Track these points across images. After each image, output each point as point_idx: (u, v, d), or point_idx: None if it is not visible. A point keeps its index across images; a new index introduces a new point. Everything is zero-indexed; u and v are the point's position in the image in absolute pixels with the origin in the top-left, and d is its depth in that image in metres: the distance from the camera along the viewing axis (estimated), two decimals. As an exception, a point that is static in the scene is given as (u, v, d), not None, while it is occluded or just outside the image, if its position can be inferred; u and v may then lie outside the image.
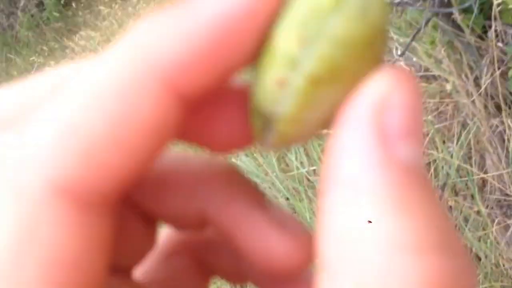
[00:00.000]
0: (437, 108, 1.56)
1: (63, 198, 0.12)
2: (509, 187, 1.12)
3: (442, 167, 1.26)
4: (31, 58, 4.17)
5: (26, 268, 0.11)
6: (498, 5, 1.11)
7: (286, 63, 0.13)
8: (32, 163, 0.12)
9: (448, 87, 1.38)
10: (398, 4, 1.32)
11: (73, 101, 0.12)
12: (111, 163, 0.12)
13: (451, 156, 1.27)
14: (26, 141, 0.12)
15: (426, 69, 1.53)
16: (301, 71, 0.12)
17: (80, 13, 4.62)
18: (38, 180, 0.12)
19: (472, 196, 1.22)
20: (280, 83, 0.13)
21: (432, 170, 1.30)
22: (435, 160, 1.37)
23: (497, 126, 1.28)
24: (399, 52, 1.56)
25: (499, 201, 1.18)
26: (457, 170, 1.27)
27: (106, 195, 0.12)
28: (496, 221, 1.10)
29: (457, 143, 1.31)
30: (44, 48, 4.42)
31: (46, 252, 0.11)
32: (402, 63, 1.56)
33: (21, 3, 4.84)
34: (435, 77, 1.50)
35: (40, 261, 0.11)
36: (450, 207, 1.21)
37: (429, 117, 1.47)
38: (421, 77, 1.53)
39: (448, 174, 1.26)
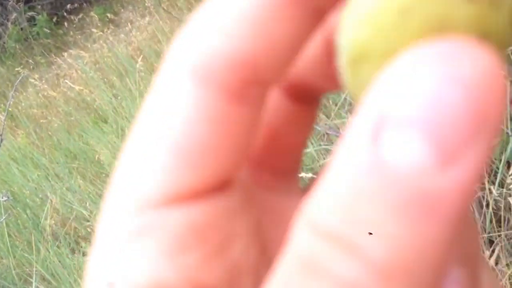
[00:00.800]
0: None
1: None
2: (484, 252, 1.15)
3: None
4: (16, 69, 4.14)
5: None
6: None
7: None
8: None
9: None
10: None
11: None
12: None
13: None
14: None
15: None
16: None
17: (71, 33, 4.63)
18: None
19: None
20: None
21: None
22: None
23: (476, 192, 1.32)
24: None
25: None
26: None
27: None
28: None
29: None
30: (30, 61, 4.39)
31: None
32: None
33: (13, 16, 4.84)
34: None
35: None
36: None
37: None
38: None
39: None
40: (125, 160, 0.13)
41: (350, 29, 0.11)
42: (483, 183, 1.31)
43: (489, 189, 1.17)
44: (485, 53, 0.09)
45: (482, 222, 1.24)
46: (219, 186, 0.13)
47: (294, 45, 0.12)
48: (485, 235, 1.17)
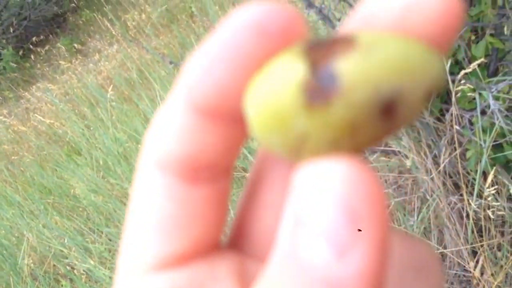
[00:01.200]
0: (396, 182, 1.63)
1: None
2: (468, 263, 1.16)
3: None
4: (-17, 106, 4.07)
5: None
6: (456, 92, 1.20)
7: None
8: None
9: (408, 163, 1.45)
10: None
11: None
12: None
13: (412, 230, 1.31)
14: None
15: (386, 144, 1.60)
16: None
17: (38, 65, 4.58)
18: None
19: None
20: None
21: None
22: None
23: (455, 203, 1.34)
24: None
25: (459, 276, 1.22)
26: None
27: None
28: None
29: (417, 217, 1.36)
30: (-2, 97, 4.33)
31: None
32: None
33: (-23, 51, 4.77)
34: (394, 152, 1.57)
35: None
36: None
37: (389, 190, 1.53)
38: (382, 151, 1.60)
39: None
40: (124, 237, 0.16)
41: (252, 115, 0.13)
42: (461, 195, 1.32)
43: (468, 201, 1.19)
44: (359, 173, 0.12)
45: (464, 233, 1.26)
46: (203, 251, 0.16)
47: (225, 144, 0.15)
48: (468, 246, 1.18)
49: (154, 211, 0.15)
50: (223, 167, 0.16)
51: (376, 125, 0.12)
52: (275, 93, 0.12)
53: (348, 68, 0.12)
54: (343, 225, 0.11)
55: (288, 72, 0.12)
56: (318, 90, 0.12)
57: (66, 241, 2.00)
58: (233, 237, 0.18)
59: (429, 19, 0.14)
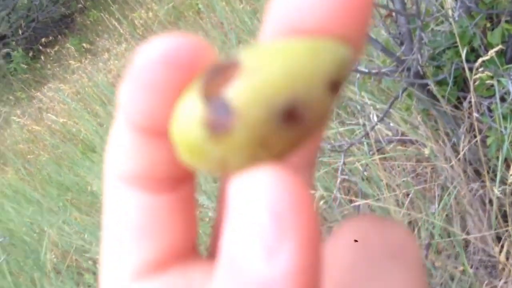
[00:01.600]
0: (415, 170, 1.64)
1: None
2: (493, 248, 1.18)
3: (426, 228, 1.32)
4: (-3, 107, 4.10)
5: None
6: (474, 80, 1.21)
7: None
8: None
9: (427, 151, 1.46)
10: (376, 74, 1.39)
11: None
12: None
13: (433, 217, 1.33)
14: None
15: (403, 134, 1.61)
16: None
17: (48, 66, 4.61)
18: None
19: (456, 257, 1.26)
20: None
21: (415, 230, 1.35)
22: (416, 220, 1.42)
23: (477, 190, 1.34)
24: (375, 118, 1.65)
25: (483, 261, 1.23)
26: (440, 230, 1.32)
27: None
28: (486, 282, 1.15)
29: (438, 205, 1.37)
30: (11, 97, 4.36)
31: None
32: (380, 127, 1.65)
33: (-13, 54, 4.80)
34: (412, 142, 1.58)
35: None
36: (435, 266, 1.26)
37: (408, 179, 1.54)
38: (398, 141, 1.61)
39: (431, 234, 1.31)
40: (102, 250, 0.17)
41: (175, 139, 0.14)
42: (483, 181, 1.33)
43: (491, 187, 1.20)
44: (281, 180, 0.13)
45: (487, 219, 1.26)
46: (179, 257, 0.17)
47: (172, 155, 0.16)
48: (492, 232, 1.20)
49: (124, 221, 0.16)
50: (181, 176, 0.16)
51: (286, 134, 0.13)
52: (184, 129, 0.14)
53: (237, 93, 0.13)
54: (269, 228, 0.12)
55: (190, 110, 0.13)
56: (217, 122, 0.13)
57: (86, 236, 2.03)
58: (212, 246, 0.18)
59: (329, 14, 0.14)
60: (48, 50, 4.50)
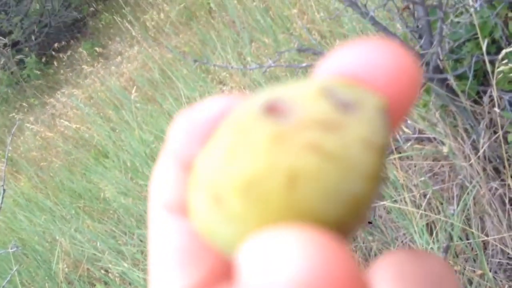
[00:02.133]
0: (432, 170, 1.58)
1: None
2: (515, 250, 1.12)
3: (445, 229, 1.26)
4: (10, 115, 4.12)
5: None
6: (498, 73, 1.15)
7: None
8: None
9: (445, 149, 1.40)
10: (394, 69, 1.34)
11: None
12: None
13: (452, 218, 1.27)
14: None
15: (421, 131, 1.55)
16: None
17: (61, 71, 4.62)
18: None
19: (474, 260, 1.21)
20: None
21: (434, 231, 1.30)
22: (433, 222, 1.37)
23: (496, 189, 1.29)
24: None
25: (502, 264, 1.18)
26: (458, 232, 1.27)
27: None
28: (506, 286, 1.09)
29: (457, 206, 1.31)
30: (24, 104, 4.38)
31: None
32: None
33: (1, 61, 4.82)
34: (430, 140, 1.52)
35: None
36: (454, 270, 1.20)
37: (425, 178, 1.49)
38: (416, 139, 1.55)
39: (450, 235, 1.26)
40: (149, 276, 0.18)
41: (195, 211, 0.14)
42: (503, 180, 1.28)
43: (510, 186, 1.14)
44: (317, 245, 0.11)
45: (507, 220, 1.21)
46: (220, 280, 0.17)
47: None
48: (513, 233, 1.14)
49: (168, 247, 0.17)
50: None
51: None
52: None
53: None
54: None
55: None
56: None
57: (98, 244, 2.00)
58: None
59: (383, 82, 0.14)
60: (61, 55, 4.51)
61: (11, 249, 1.62)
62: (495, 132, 1.31)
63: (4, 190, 1.55)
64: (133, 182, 2.26)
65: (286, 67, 1.52)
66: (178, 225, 0.17)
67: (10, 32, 4.98)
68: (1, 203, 1.54)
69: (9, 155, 2.09)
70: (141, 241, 1.99)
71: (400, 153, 1.53)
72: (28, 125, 3.56)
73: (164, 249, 0.17)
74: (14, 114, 3.90)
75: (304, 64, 1.39)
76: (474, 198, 1.34)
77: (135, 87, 3.03)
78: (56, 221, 2.38)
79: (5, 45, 4.76)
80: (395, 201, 1.44)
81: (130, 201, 2.10)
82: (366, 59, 0.15)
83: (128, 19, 4.03)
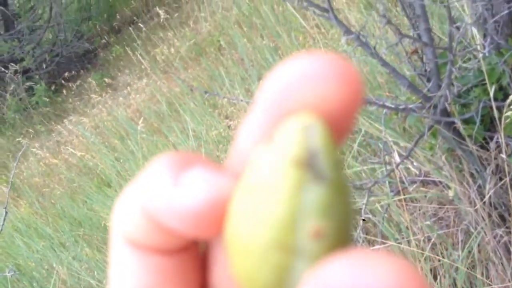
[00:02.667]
0: (436, 214, 1.56)
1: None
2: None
3: (449, 274, 1.25)
4: (16, 139, 4.13)
5: None
6: (505, 119, 1.15)
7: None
8: None
9: (450, 193, 1.39)
10: (403, 110, 1.35)
11: None
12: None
13: (458, 262, 1.25)
14: None
15: (426, 174, 1.55)
16: None
17: (70, 100, 4.66)
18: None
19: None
20: None
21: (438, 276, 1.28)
22: (437, 267, 1.35)
23: (501, 236, 1.28)
24: (397, 157, 1.59)
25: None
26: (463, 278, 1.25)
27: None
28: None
29: (462, 251, 1.30)
30: (30, 130, 4.40)
31: None
32: (403, 167, 1.59)
33: (11, 87, 4.88)
34: (435, 183, 1.52)
35: None
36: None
37: (428, 223, 1.47)
38: (421, 181, 1.55)
39: (454, 282, 1.24)
40: None
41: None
42: (508, 227, 1.27)
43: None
44: None
45: (511, 268, 1.20)
46: None
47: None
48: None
49: (130, 282, 0.16)
50: (183, 246, 0.17)
51: None
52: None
53: None
54: None
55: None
56: None
57: (96, 273, 1.98)
58: None
59: (323, 94, 0.14)
60: (70, 84, 4.56)
61: (8, 272, 1.60)
62: (501, 179, 1.31)
63: (6, 212, 1.54)
64: (135, 213, 2.25)
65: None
66: (138, 259, 0.16)
67: (22, 59, 5.05)
68: (2, 225, 1.53)
69: (11, 179, 2.10)
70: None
71: (405, 194, 1.53)
72: (34, 150, 3.57)
73: (123, 283, 0.17)
74: (20, 139, 3.91)
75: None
76: (479, 245, 1.33)
77: (142, 118, 3.05)
78: (54, 249, 2.36)
79: (16, 71, 4.82)
80: (399, 243, 1.42)
81: (130, 231, 2.09)
82: (306, 71, 0.14)
83: (139, 52, 4.09)
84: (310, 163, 0.14)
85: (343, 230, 0.14)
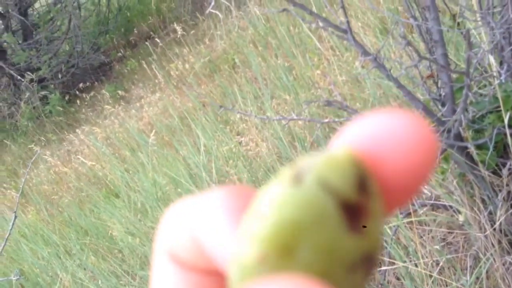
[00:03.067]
0: (445, 239, 1.55)
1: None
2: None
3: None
4: (28, 146, 4.16)
5: None
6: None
7: None
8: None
9: (461, 218, 1.38)
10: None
11: None
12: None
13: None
14: None
15: (437, 198, 1.54)
16: None
17: (83, 110, 4.70)
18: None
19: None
20: None
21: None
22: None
23: (511, 264, 1.26)
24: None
25: None
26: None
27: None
28: None
29: (470, 277, 1.28)
30: (42, 138, 4.43)
31: None
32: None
33: (26, 95, 4.93)
34: (445, 207, 1.51)
35: None
36: None
37: (437, 247, 1.46)
38: (431, 205, 1.54)
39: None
40: None
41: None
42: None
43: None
44: None
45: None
46: None
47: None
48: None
49: None
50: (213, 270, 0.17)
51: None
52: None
53: None
54: None
55: None
56: None
57: (100, 282, 1.97)
58: None
59: (402, 154, 0.14)
60: (84, 95, 4.60)
61: (14, 277, 1.60)
62: (513, 206, 1.30)
63: (16, 216, 1.55)
64: (142, 223, 2.25)
65: (308, 121, 1.54)
66: (180, 276, 0.17)
67: (38, 69, 5.11)
68: (11, 229, 1.54)
69: (21, 186, 2.11)
70: (143, 284, 1.96)
71: (414, 217, 1.52)
72: (45, 157, 3.59)
73: None
74: (32, 146, 3.94)
75: (326, 120, 1.41)
76: (487, 271, 1.32)
77: (153, 131, 3.07)
78: (60, 256, 2.36)
79: (31, 80, 4.88)
80: (407, 265, 1.41)
81: (137, 241, 2.09)
82: (383, 132, 0.15)
83: (153, 67, 4.13)
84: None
85: None
